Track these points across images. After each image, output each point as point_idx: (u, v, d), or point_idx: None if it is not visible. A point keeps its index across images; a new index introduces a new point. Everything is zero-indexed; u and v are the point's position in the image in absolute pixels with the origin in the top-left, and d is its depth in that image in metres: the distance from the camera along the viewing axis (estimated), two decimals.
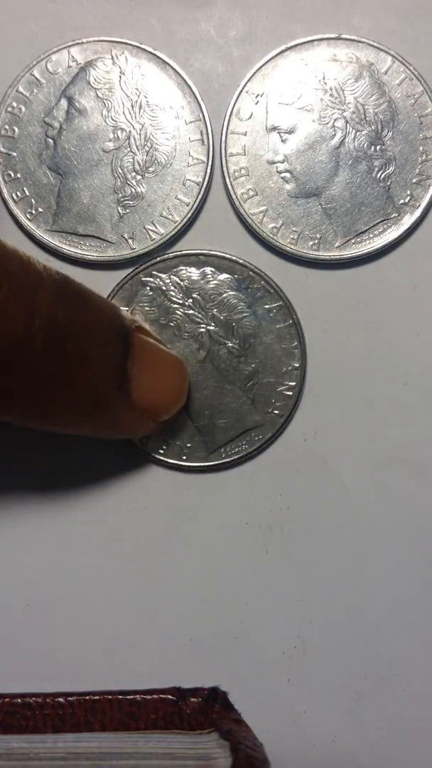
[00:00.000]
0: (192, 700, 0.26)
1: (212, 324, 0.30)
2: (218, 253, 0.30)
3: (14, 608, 0.30)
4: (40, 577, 0.30)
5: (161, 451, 0.30)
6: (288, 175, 0.30)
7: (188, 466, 0.30)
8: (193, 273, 0.30)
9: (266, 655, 0.30)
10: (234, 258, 0.30)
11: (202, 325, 0.30)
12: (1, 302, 0.23)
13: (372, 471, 0.30)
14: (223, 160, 0.30)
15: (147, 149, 0.30)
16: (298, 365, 0.30)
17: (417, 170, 0.30)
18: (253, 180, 0.30)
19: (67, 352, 0.25)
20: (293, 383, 0.30)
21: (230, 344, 0.30)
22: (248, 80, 0.30)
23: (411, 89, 0.30)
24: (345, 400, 0.31)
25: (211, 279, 0.30)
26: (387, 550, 0.30)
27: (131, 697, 0.26)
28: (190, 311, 0.30)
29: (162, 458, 0.30)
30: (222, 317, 0.30)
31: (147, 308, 0.30)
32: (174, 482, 0.30)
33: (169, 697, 0.26)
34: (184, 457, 0.30)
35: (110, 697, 0.26)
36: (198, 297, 0.30)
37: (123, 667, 0.30)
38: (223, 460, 0.30)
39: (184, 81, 0.30)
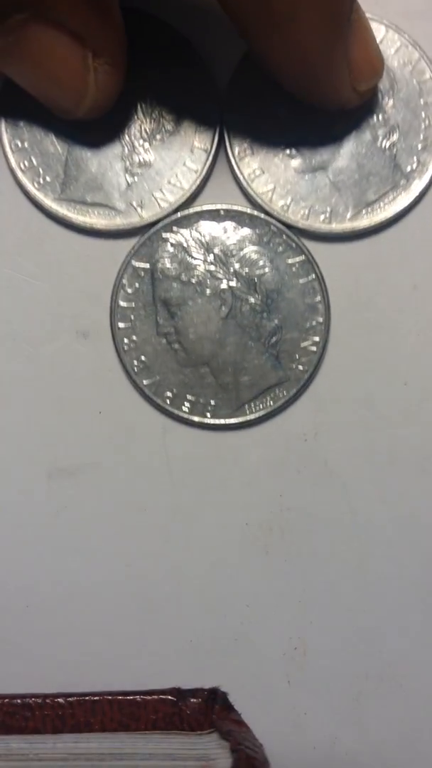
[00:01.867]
0: (192, 700, 0.26)
1: (234, 280, 0.30)
2: (239, 208, 0.30)
3: (14, 608, 0.30)
4: (40, 577, 0.30)
5: (185, 409, 0.30)
6: (294, 150, 0.30)
7: (213, 423, 0.30)
8: (214, 228, 0.30)
9: (266, 656, 0.30)
10: (255, 213, 0.30)
11: (224, 281, 0.30)
12: None
13: (372, 471, 0.30)
14: (227, 141, 0.30)
15: (154, 116, 0.30)
16: (322, 320, 0.30)
17: (421, 136, 0.30)
18: (258, 159, 0.30)
19: None
20: (317, 338, 0.30)
21: (253, 300, 0.30)
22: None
23: (407, 57, 0.30)
24: (345, 400, 0.31)
25: (232, 234, 0.30)
26: (387, 550, 0.30)
27: (131, 697, 0.26)
28: (212, 267, 0.30)
29: (187, 416, 0.30)
30: (244, 273, 0.30)
31: (168, 265, 0.30)
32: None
33: (169, 697, 0.26)
34: (209, 415, 0.30)
35: (110, 697, 0.26)
36: (219, 252, 0.30)
37: (123, 667, 0.30)
38: (248, 417, 0.30)
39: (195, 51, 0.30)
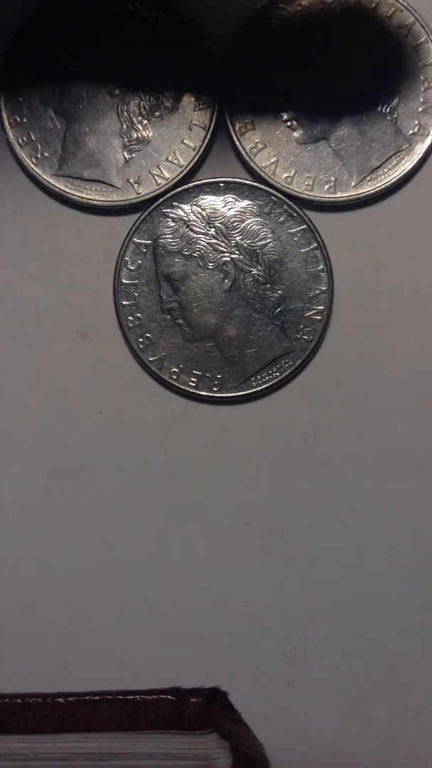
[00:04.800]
0: (192, 700, 0.26)
1: (236, 252, 0.30)
2: (238, 180, 0.30)
3: (14, 608, 0.30)
4: (40, 577, 0.30)
5: (192, 384, 0.30)
6: (294, 122, 0.30)
7: (220, 397, 0.30)
8: (215, 201, 0.30)
9: (266, 656, 0.30)
10: (255, 184, 0.30)
11: (226, 254, 0.30)
12: None
13: (372, 471, 0.30)
14: (227, 117, 0.30)
15: (153, 93, 0.30)
16: (325, 288, 0.30)
17: (421, 99, 0.30)
18: (260, 133, 0.30)
19: None
20: (321, 307, 0.30)
21: (255, 271, 0.30)
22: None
23: (403, 20, 0.30)
24: (345, 400, 0.31)
25: (233, 206, 0.30)
26: (387, 550, 0.30)
27: (131, 697, 0.26)
28: (213, 240, 0.30)
29: (194, 391, 0.30)
30: (246, 244, 0.30)
31: (170, 239, 0.30)
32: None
33: (169, 697, 0.26)
34: (216, 389, 0.30)
35: (110, 697, 0.26)
36: (220, 225, 0.30)
37: (123, 667, 0.30)
38: (255, 389, 0.30)
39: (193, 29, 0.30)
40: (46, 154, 0.30)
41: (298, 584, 0.30)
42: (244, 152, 0.30)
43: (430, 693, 0.30)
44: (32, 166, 0.30)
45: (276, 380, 0.30)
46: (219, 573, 0.30)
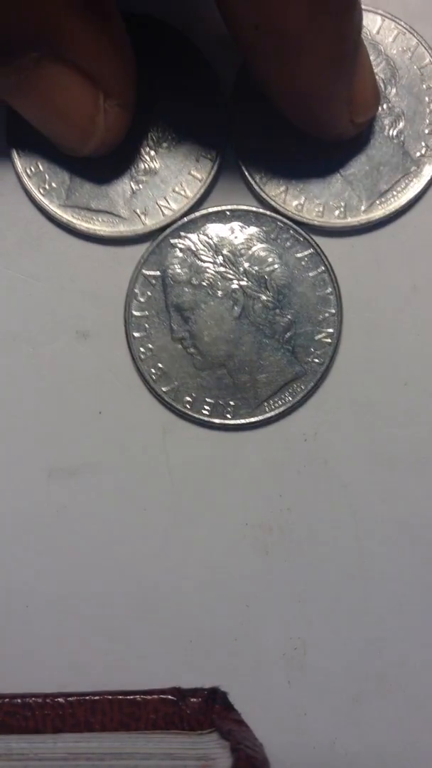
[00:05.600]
0: (192, 700, 0.26)
1: (245, 279, 0.30)
2: (244, 207, 0.30)
3: (14, 608, 0.30)
4: (40, 577, 0.30)
5: (205, 413, 0.30)
6: (302, 150, 0.30)
7: (234, 424, 0.30)
8: (221, 230, 0.30)
9: (266, 656, 0.30)
10: (261, 210, 0.30)
11: (234, 281, 0.30)
12: None
13: (372, 471, 0.30)
14: (236, 149, 0.30)
15: (161, 124, 0.30)
16: (334, 311, 0.30)
17: (427, 121, 0.30)
18: (268, 161, 0.30)
19: None
20: (331, 330, 0.30)
21: (264, 297, 0.30)
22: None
23: (405, 43, 0.30)
24: (346, 401, 0.31)
25: (240, 234, 0.30)
26: (387, 550, 0.30)
27: (131, 697, 0.26)
28: (222, 268, 0.30)
29: (207, 419, 0.30)
30: (254, 271, 0.30)
31: (178, 270, 0.30)
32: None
33: (169, 697, 0.26)
34: (229, 416, 0.30)
35: (110, 697, 0.26)
36: (228, 253, 0.30)
37: (123, 667, 0.30)
38: (268, 415, 0.30)
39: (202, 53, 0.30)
40: (53, 185, 0.30)
41: (298, 584, 0.30)
42: (253, 181, 0.30)
43: (430, 693, 0.30)
44: (40, 196, 0.30)
45: (289, 405, 0.30)
46: (219, 573, 0.30)
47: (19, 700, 0.26)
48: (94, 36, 0.26)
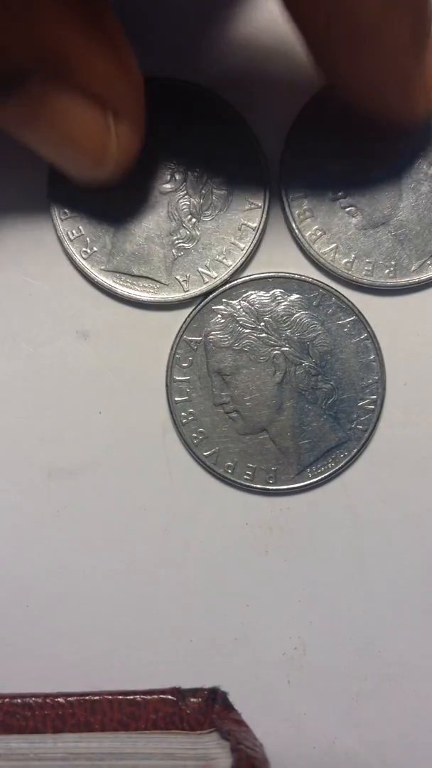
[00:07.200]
0: (192, 700, 0.26)
1: (286, 345, 0.30)
2: (286, 274, 0.30)
3: (14, 608, 0.30)
4: (40, 576, 0.30)
5: (247, 477, 0.30)
6: (353, 208, 0.30)
7: (276, 489, 0.30)
8: (263, 296, 0.30)
9: (266, 656, 0.30)
10: (303, 277, 0.30)
11: (276, 347, 0.30)
12: None
13: (372, 471, 0.30)
14: (286, 204, 0.30)
15: (203, 191, 0.30)
16: (377, 378, 0.30)
17: None
18: (319, 220, 0.30)
19: None
20: (374, 396, 0.30)
21: (306, 363, 0.30)
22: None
23: None
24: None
25: (282, 300, 0.30)
26: (387, 550, 0.30)
27: (131, 697, 0.26)
28: (263, 335, 0.30)
29: (249, 484, 0.30)
30: (296, 337, 0.30)
31: (220, 336, 0.30)
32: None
33: (169, 697, 0.26)
34: (271, 481, 0.30)
35: (110, 697, 0.26)
36: (270, 320, 0.30)
37: (123, 667, 0.30)
38: (311, 481, 0.30)
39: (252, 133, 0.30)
40: (95, 249, 0.30)
41: (298, 584, 0.30)
42: (303, 239, 0.30)
43: (429, 693, 0.30)
44: (81, 260, 0.30)
45: (331, 470, 0.30)
46: (219, 573, 0.30)
47: (19, 700, 0.26)
48: (98, 55, 0.25)
